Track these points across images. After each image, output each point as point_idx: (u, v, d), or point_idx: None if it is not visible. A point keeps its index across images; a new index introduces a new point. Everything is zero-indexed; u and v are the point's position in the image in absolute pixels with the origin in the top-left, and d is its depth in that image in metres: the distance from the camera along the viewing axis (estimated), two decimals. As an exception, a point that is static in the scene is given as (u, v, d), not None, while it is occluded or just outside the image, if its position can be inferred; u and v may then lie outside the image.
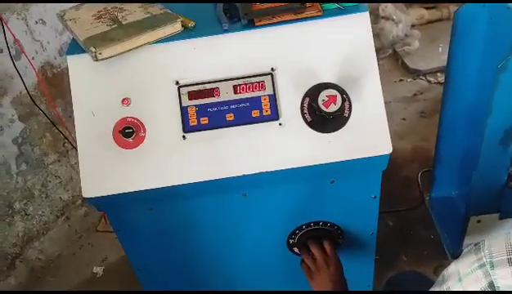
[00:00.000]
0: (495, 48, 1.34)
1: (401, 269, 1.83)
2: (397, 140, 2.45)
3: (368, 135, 1.11)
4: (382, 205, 2.06)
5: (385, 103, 2.81)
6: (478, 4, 1.36)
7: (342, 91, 1.06)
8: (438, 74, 2.79)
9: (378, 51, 3.06)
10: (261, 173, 1.11)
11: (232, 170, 1.10)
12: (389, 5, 3.10)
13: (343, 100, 1.05)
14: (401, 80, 2.89)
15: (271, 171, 1.11)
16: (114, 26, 1.11)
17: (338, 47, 1.12)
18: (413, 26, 3.12)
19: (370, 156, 1.11)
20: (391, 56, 3.06)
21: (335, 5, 1.13)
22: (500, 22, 1.31)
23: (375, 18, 3.12)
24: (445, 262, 1.71)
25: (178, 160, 1.10)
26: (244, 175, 1.11)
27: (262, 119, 1.10)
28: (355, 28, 1.12)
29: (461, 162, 1.72)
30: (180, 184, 1.10)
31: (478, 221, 1.53)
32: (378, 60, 3.17)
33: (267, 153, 1.11)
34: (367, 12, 1.13)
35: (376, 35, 3.05)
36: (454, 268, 0.80)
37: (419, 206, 2.00)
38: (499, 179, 1.42)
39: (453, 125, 1.64)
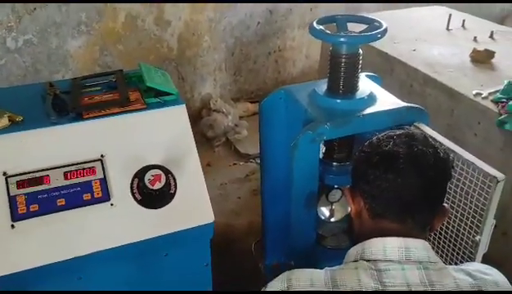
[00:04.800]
0: (291, 130, 1.67)
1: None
2: (234, 216, 2.68)
3: (192, 207, 1.28)
4: (221, 278, 2.20)
5: (221, 184, 3.05)
6: (277, 96, 1.70)
7: (166, 171, 1.22)
8: (266, 157, 3.19)
9: (213, 139, 3.40)
10: (94, 253, 1.17)
11: (65, 253, 1.15)
12: (219, 100, 3.50)
13: (168, 179, 1.21)
14: (234, 164, 3.22)
15: (105, 250, 1.18)
16: None
17: (161, 134, 1.30)
18: (241, 117, 3.56)
19: (195, 225, 1.27)
20: (225, 144, 3.40)
21: (156, 99, 1.33)
22: (292, 111, 1.65)
23: (208, 111, 3.48)
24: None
25: (7, 249, 1.11)
26: (77, 257, 1.15)
27: (93, 201, 1.19)
28: (174, 118, 1.32)
29: (284, 230, 1.98)
30: (11, 273, 1.09)
31: (300, 278, 1.76)
32: (213, 147, 3.43)
33: (100, 232, 1.19)
34: (184, 105, 1.34)
35: (210, 126, 3.38)
36: None
37: (255, 274, 2.19)
38: (310, 237, 1.69)
39: (272, 197, 1.92)
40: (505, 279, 0.92)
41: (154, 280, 1.34)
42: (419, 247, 0.89)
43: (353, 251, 0.94)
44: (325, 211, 1.83)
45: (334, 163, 1.67)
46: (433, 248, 1.54)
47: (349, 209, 1.87)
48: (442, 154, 0.93)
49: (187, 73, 3.43)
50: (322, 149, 1.71)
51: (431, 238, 1.57)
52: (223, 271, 2.24)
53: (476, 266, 0.94)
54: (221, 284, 1.68)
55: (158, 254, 1.30)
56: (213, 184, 2.98)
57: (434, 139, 1.41)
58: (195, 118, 3.56)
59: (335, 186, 1.69)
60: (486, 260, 1.40)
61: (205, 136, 3.42)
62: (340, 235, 1.85)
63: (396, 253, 0.88)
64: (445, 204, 0.96)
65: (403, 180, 0.90)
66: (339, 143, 1.62)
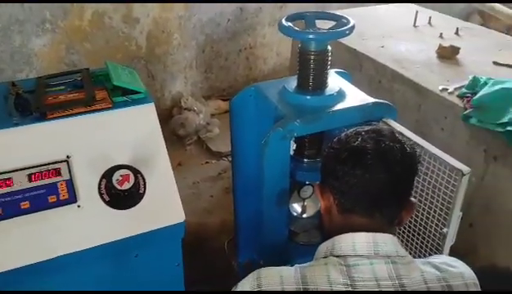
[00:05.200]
0: (261, 128, 1.67)
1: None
2: (207, 215, 2.67)
3: (163, 207, 1.26)
4: (195, 277, 2.19)
5: (194, 183, 3.02)
6: (247, 94, 1.70)
7: (135, 171, 1.20)
8: (239, 155, 3.18)
9: (184, 138, 3.37)
10: (62, 256, 1.14)
11: (30, 257, 1.11)
12: (190, 98, 3.47)
13: (136, 178, 1.18)
14: (207, 162, 3.19)
15: (73, 253, 1.16)
16: None
17: (129, 134, 1.27)
18: (213, 115, 3.53)
19: (166, 225, 1.25)
20: (197, 142, 3.37)
21: (124, 98, 1.30)
22: (263, 108, 1.65)
23: (179, 109, 3.45)
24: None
25: (-32, 255, 1.06)
26: (43, 261, 1.12)
27: (59, 203, 1.16)
28: (142, 116, 1.30)
29: (256, 227, 1.98)
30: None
31: (274, 275, 1.77)
32: (185, 146, 3.40)
33: (68, 235, 1.16)
34: (152, 104, 1.32)
35: (181, 124, 3.34)
36: None
37: (229, 273, 2.18)
38: (282, 234, 1.70)
39: (244, 195, 1.91)
40: (471, 271, 0.94)
41: (125, 281, 1.32)
42: (387, 242, 0.90)
43: (323, 247, 0.95)
44: (297, 208, 1.84)
45: (305, 160, 1.67)
46: (402, 241, 1.59)
47: (320, 205, 1.90)
48: (408, 149, 0.95)
49: (157, 72, 3.39)
50: (293, 145, 1.71)
51: (400, 232, 1.60)
52: (196, 270, 2.22)
53: (443, 259, 0.96)
54: (193, 283, 1.67)
55: (128, 255, 1.27)
56: (185, 183, 2.96)
57: (402, 134, 1.43)
58: (166, 117, 3.52)
59: (307, 182, 1.70)
60: (454, 251, 1.43)
61: (177, 135, 3.38)
62: (312, 231, 1.86)
63: (365, 248, 0.89)
64: (412, 198, 0.98)
65: (371, 176, 0.91)
66: (309, 139, 1.63)
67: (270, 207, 1.59)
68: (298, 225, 1.88)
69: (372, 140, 0.93)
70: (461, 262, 0.96)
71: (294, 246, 1.83)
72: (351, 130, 0.99)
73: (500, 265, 1.80)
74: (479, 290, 0.92)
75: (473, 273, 0.94)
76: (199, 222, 2.60)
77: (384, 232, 0.92)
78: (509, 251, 1.76)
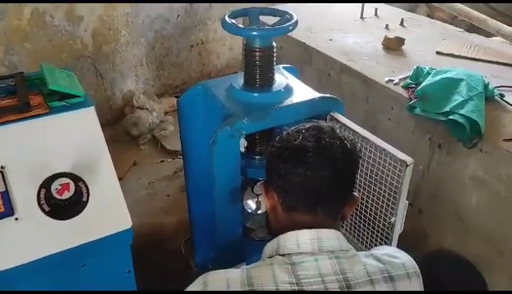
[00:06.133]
0: (210, 126, 1.64)
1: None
2: (164, 215, 2.62)
3: (108, 214, 1.22)
4: (153, 280, 2.15)
5: (149, 183, 2.96)
6: (194, 92, 1.67)
7: (76, 178, 1.15)
8: (194, 152, 3.14)
9: (138, 137, 3.29)
10: (2, 272, 1.08)
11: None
12: (142, 96, 3.39)
13: (78, 186, 1.14)
14: (162, 161, 3.13)
15: (13, 268, 1.10)
16: None
17: (68, 140, 1.22)
18: (166, 113, 3.47)
19: (112, 233, 1.21)
20: (151, 141, 3.30)
21: (61, 102, 1.24)
22: (211, 106, 1.63)
23: (131, 108, 3.36)
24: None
25: None
26: (-20, 279, 1.06)
27: (-5, 217, 1.10)
28: (82, 121, 1.24)
29: (211, 225, 1.96)
30: None
31: (230, 273, 1.76)
32: (139, 145, 3.32)
33: (6, 250, 1.10)
34: (93, 107, 1.27)
35: (134, 123, 3.27)
36: None
37: (187, 273, 2.16)
38: (237, 232, 1.69)
39: (197, 194, 1.89)
40: (412, 260, 0.96)
41: (74, 291, 1.27)
42: (331, 237, 0.91)
43: (269, 247, 0.95)
44: (251, 204, 1.84)
45: (257, 157, 1.67)
46: (352, 233, 1.62)
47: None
48: (349, 145, 0.96)
49: (106, 70, 3.29)
50: (244, 143, 1.70)
51: (350, 223, 1.63)
52: (153, 272, 2.19)
53: (385, 250, 0.98)
54: (150, 286, 1.64)
55: (74, 265, 1.23)
56: (140, 184, 2.90)
57: (348, 127, 1.45)
58: (118, 117, 3.42)
59: (260, 178, 1.70)
60: (404, 237, 1.47)
61: (130, 134, 3.30)
62: (268, 226, 1.86)
63: (309, 245, 0.90)
64: (355, 193, 0.99)
65: (313, 173, 0.91)
66: (259, 136, 1.63)
67: (222, 206, 1.58)
68: (254, 221, 1.87)
69: (313, 137, 0.94)
70: (403, 252, 0.99)
71: (249, 242, 1.83)
72: (292, 128, 0.99)
73: (448, 249, 1.87)
74: (420, 279, 0.95)
75: (414, 263, 0.97)
76: (156, 223, 2.55)
77: (328, 228, 0.93)
78: (456, 235, 1.83)
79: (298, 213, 0.94)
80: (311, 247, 0.90)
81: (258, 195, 1.79)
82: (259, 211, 1.85)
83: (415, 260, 0.98)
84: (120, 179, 2.79)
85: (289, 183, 0.93)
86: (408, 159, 1.32)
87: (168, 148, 3.20)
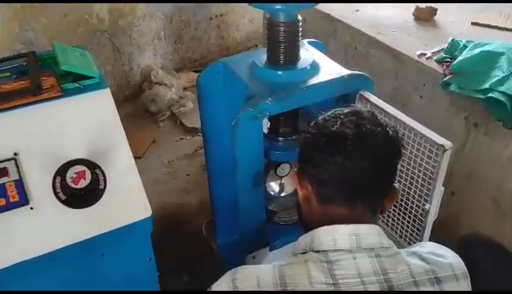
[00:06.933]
0: (231, 105, 1.56)
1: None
2: (184, 195, 2.58)
3: (127, 202, 1.16)
4: (174, 262, 2.12)
5: (169, 162, 2.91)
6: (214, 70, 1.58)
7: (92, 165, 1.09)
8: (214, 129, 3.06)
9: (157, 114, 3.23)
10: (17, 264, 1.04)
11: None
12: (160, 71, 3.31)
13: (94, 174, 1.08)
14: (181, 138, 3.07)
15: (31, 259, 1.06)
16: None
17: (83, 124, 1.15)
18: (185, 89, 3.39)
19: (131, 222, 1.15)
20: (170, 118, 3.24)
21: (75, 84, 1.17)
22: (232, 85, 1.54)
23: (149, 84, 3.29)
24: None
25: None
26: (-3, 271, 1.02)
27: (9, 207, 1.05)
28: (97, 104, 1.17)
29: (233, 208, 1.91)
30: None
31: (253, 257, 1.71)
32: (158, 122, 3.26)
33: (22, 241, 1.06)
34: (108, 89, 1.20)
35: (152, 100, 3.20)
36: None
37: (209, 255, 2.12)
38: (260, 216, 1.63)
39: (218, 175, 1.83)
40: (460, 260, 0.88)
41: (92, 282, 1.23)
42: (370, 233, 0.84)
43: (302, 242, 0.88)
44: (274, 187, 1.77)
45: (280, 138, 1.59)
46: (382, 220, 1.54)
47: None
48: (391, 132, 0.87)
49: (123, 45, 3.20)
50: (267, 123, 1.62)
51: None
52: (175, 254, 2.16)
53: (429, 248, 0.90)
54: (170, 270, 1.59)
55: (92, 255, 1.18)
56: (160, 162, 2.85)
57: (380, 108, 1.35)
58: (137, 92, 3.36)
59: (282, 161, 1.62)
60: (436, 221, 1.39)
61: (149, 111, 3.24)
62: (291, 209, 1.80)
63: (346, 241, 0.82)
64: (395, 184, 0.90)
65: (352, 163, 0.83)
66: (283, 117, 1.54)
67: (245, 190, 1.51)
68: (277, 204, 1.81)
69: (352, 123, 0.85)
70: (449, 250, 0.90)
71: (273, 226, 1.77)
72: (329, 112, 0.90)
73: (482, 233, 1.77)
74: (468, 280, 0.86)
75: (462, 262, 0.88)
76: (177, 203, 2.51)
77: (366, 222, 0.85)
78: (491, 219, 1.73)
79: (334, 206, 0.86)
80: (348, 244, 0.82)
81: (281, 177, 1.72)
82: (282, 194, 1.79)
83: (446, 244, 0.90)
84: (139, 157, 2.80)
85: (325, 173, 0.84)
86: (446, 143, 1.22)
87: (187, 125, 3.13)
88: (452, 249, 0.91)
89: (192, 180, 2.71)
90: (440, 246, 0.92)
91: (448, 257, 0.87)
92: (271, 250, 1.73)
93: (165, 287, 1.38)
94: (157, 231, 1.29)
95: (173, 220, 2.36)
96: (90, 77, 1.19)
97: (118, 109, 1.20)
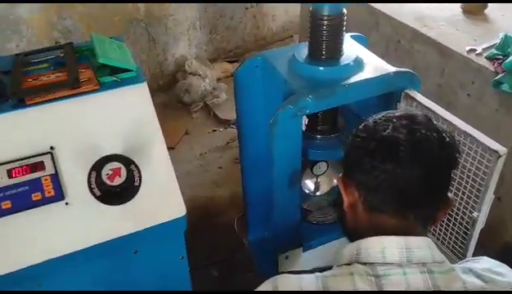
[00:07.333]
0: (269, 101, 1.52)
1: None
2: (215, 188, 2.56)
3: (161, 200, 1.14)
4: (204, 256, 2.10)
5: (201, 154, 2.89)
6: (253, 64, 1.53)
7: (128, 162, 1.06)
8: (247, 121, 3.02)
9: (190, 104, 3.21)
10: (52, 259, 1.03)
11: (16, 262, 1.00)
12: (194, 61, 3.28)
13: (130, 170, 1.05)
14: (214, 130, 3.05)
15: (64, 255, 1.04)
16: None
17: (119, 119, 1.13)
18: (219, 79, 3.35)
19: (165, 221, 1.13)
20: (203, 109, 3.22)
21: (112, 78, 1.15)
22: (270, 80, 1.49)
23: (183, 74, 3.27)
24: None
25: None
26: (31, 266, 1.01)
27: (45, 201, 1.04)
28: (134, 98, 1.15)
29: (267, 204, 1.86)
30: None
31: (286, 257, 1.66)
32: (191, 113, 3.24)
33: (56, 236, 1.05)
34: (145, 83, 1.16)
35: (186, 90, 3.18)
36: None
37: (239, 250, 2.09)
38: (295, 216, 1.58)
39: (253, 170, 1.79)
40: None
41: (125, 279, 1.21)
42: (421, 246, 0.77)
43: (347, 252, 0.82)
44: (309, 185, 1.72)
45: (318, 136, 1.53)
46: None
47: (335, 182, 1.77)
48: (447, 139, 0.80)
49: (158, 34, 3.19)
50: (304, 120, 1.56)
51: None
52: (205, 248, 2.14)
53: (485, 263, 0.83)
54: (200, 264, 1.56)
55: (126, 253, 1.16)
56: (193, 154, 2.83)
57: (428, 109, 1.27)
58: (170, 83, 3.35)
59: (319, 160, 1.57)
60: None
61: (182, 102, 3.23)
62: (326, 209, 1.74)
63: (396, 254, 0.76)
64: (449, 194, 0.84)
65: (404, 171, 0.77)
66: (322, 114, 1.48)
67: (281, 189, 1.46)
68: (312, 203, 1.76)
69: (405, 128, 0.79)
70: (507, 267, 0.83)
71: (307, 225, 1.72)
72: (379, 115, 0.84)
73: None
74: None
75: None
76: (208, 196, 2.49)
77: (417, 235, 0.79)
78: (541, 227, 1.63)
79: (383, 215, 0.80)
80: (398, 258, 0.76)
81: (317, 176, 1.66)
82: (318, 193, 1.73)
83: (490, 251, 0.83)
84: (172, 148, 2.79)
85: (374, 180, 0.79)
86: (501, 149, 1.14)
87: (220, 117, 3.10)
88: (496, 256, 0.84)
89: (224, 173, 2.69)
90: (498, 262, 0.85)
91: (507, 275, 0.80)
92: (304, 251, 1.68)
93: (194, 282, 1.36)
94: (187, 224, 1.26)
95: (204, 213, 2.34)
96: (127, 71, 1.16)
97: (151, 98, 1.17)
